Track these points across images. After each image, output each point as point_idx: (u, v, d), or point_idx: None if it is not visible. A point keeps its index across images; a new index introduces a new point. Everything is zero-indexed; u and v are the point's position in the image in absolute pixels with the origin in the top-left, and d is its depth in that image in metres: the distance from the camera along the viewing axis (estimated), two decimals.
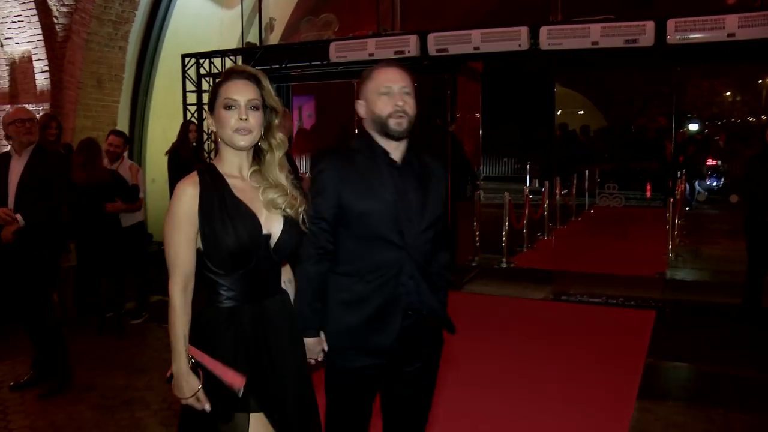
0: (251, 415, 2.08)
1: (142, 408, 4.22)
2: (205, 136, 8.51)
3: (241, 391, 2.03)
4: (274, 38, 9.80)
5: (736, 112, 16.91)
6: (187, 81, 8.63)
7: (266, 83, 2.17)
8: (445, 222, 2.49)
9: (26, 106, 8.40)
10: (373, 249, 2.26)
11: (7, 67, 8.55)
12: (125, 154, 6.41)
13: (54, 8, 8.14)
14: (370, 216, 2.23)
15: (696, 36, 5.93)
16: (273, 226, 2.12)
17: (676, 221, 9.38)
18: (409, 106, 2.29)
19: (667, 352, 5.13)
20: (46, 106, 8.24)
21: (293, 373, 2.18)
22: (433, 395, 2.52)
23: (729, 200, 12.86)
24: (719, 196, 14.19)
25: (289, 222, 2.15)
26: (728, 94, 17.05)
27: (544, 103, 15.85)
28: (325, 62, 7.73)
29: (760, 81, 16.25)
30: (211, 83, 8.74)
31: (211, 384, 2.03)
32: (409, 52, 7.16)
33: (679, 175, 12.64)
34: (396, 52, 7.20)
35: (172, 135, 7.40)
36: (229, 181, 2.11)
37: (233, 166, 2.14)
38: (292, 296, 2.30)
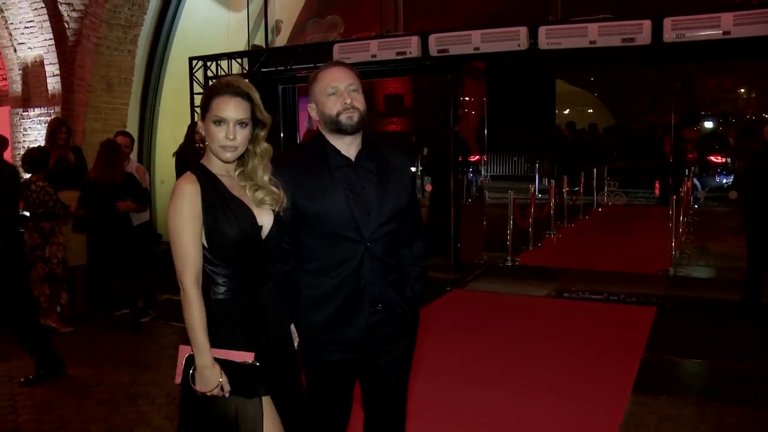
0: (262, 399, 2.17)
1: (147, 402, 4.33)
2: None
3: (256, 363, 2.11)
4: (281, 40, 9.89)
5: (750, 108, 16.81)
6: (194, 83, 8.73)
7: (256, 98, 2.24)
8: (415, 212, 2.52)
9: (38, 109, 8.59)
10: (333, 245, 2.31)
11: (20, 72, 8.72)
12: (132, 156, 6.53)
13: (65, 13, 8.29)
14: (324, 215, 2.29)
15: (692, 34, 5.96)
16: (263, 219, 2.22)
17: (682, 218, 9.38)
18: (358, 102, 2.33)
19: (665, 347, 5.18)
20: (58, 109, 8.40)
21: (290, 357, 2.31)
22: (407, 386, 2.57)
23: (729, 197, 12.83)
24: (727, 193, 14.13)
25: (277, 217, 2.26)
26: (743, 91, 16.93)
27: (546, 102, 15.85)
28: (319, 66, 7.75)
29: None
30: None
31: (227, 371, 2.11)
32: (410, 52, 7.22)
33: (686, 173, 12.62)
34: (398, 53, 7.27)
35: (180, 137, 7.49)
36: (221, 179, 2.21)
37: (221, 168, 2.24)
38: None
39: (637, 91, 17.01)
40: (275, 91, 8.86)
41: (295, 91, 9.28)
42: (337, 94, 2.32)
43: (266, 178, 2.26)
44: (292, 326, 2.39)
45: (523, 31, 6.72)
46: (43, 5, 8.22)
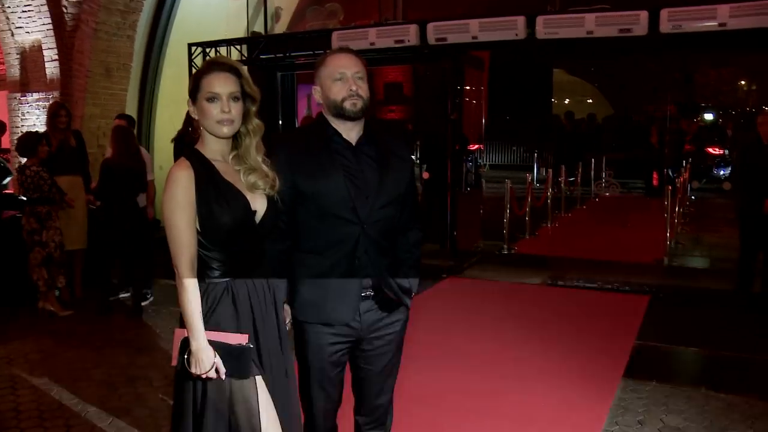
0: (256, 379, 2.22)
1: (145, 384, 4.40)
2: None
3: (250, 345, 2.17)
4: (280, 27, 9.93)
5: (750, 100, 16.83)
6: (193, 69, 8.76)
7: (245, 73, 2.27)
8: (413, 200, 2.57)
9: (36, 94, 8.63)
10: (329, 226, 2.36)
11: (18, 56, 8.74)
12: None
13: None
14: (322, 195, 2.33)
15: (688, 25, 6.01)
16: (257, 204, 2.25)
17: (677, 209, 9.45)
18: (363, 90, 2.37)
19: (656, 335, 5.26)
20: (56, 94, 8.43)
21: (282, 339, 2.35)
22: (397, 370, 2.62)
23: (722, 187, 12.89)
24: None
25: (270, 200, 2.29)
26: (743, 82, 16.96)
27: (544, 92, 15.87)
28: (328, 51, 7.78)
29: None
30: None
31: (221, 353, 2.16)
32: (409, 41, 7.25)
33: (684, 163, 12.67)
34: (396, 41, 7.31)
35: (179, 123, 7.54)
36: (215, 164, 2.24)
37: (216, 152, 2.26)
38: None
39: (637, 82, 17.03)
40: (274, 78, 8.90)
41: (293, 78, 9.32)
42: (343, 80, 2.35)
43: (259, 158, 2.29)
44: (287, 307, 2.44)
45: (520, 20, 6.76)
46: None
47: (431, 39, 7.21)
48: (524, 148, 16.88)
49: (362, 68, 2.40)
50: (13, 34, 8.68)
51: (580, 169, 13.16)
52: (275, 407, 2.29)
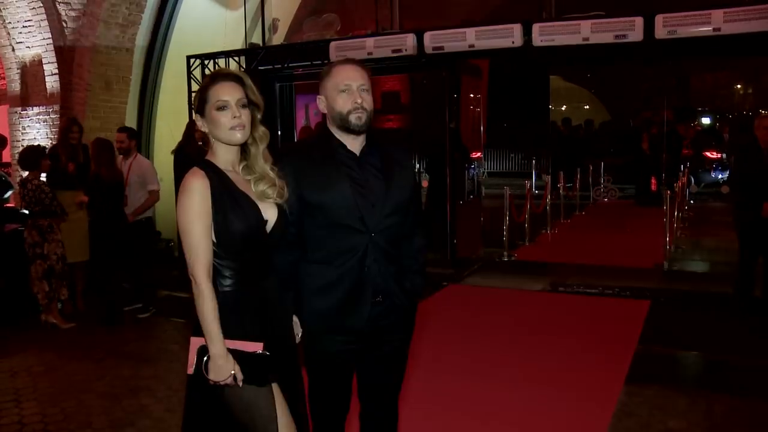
0: (272, 386, 2.25)
1: (148, 396, 4.40)
2: None
3: (266, 353, 2.18)
4: (278, 38, 9.95)
5: (746, 104, 16.85)
6: (192, 81, 8.78)
7: (249, 82, 2.32)
8: (417, 208, 2.61)
9: (37, 107, 8.66)
10: (338, 235, 2.39)
11: (19, 71, 8.77)
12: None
13: (63, 13, 8.35)
14: (330, 206, 2.36)
15: (683, 31, 6.04)
16: (268, 213, 2.30)
17: (677, 214, 9.46)
18: (368, 102, 2.41)
19: (658, 339, 5.26)
20: (56, 107, 8.46)
21: (293, 347, 2.40)
22: (403, 377, 2.65)
23: (721, 191, 12.91)
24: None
25: (281, 209, 2.33)
26: (738, 87, 17.00)
27: (541, 99, 15.91)
28: (325, 61, 7.81)
29: None
30: None
31: (239, 361, 2.18)
32: (406, 50, 7.28)
33: (682, 168, 12.69)
34: (393, 51, 7.33)
35: (178, 134, 7.56)
36: (227, 174, 2.28)
37: (227, 162, 2.30)
38: None
39: (633, 88, 17.08)
40: (272, 89, 8.92)
41: (292, 89, 9.34)
42: (348, 92, 2.39)
43: (267, 166, 2.33)
44: (295, 318, 2.46)
45: (517, 28, 6.78)
46: (41, 4, 8.27)
47: (428, 48, 7.24)
48: (522, 155, 16.90)
49: (367, 80, 2.44)
50: (13, 49, 8.72)
51: (578, 175, 13.18)
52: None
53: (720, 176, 14.34)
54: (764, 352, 4.90)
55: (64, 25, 8.39)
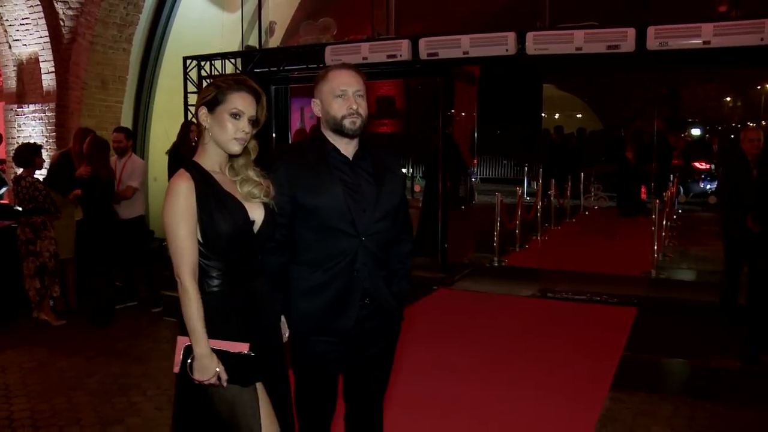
0: (256, 386, 2.27)
1: (138, 394, 4.40)
2: None
3: (251, 353, 2.19)
4: (274, 41, 9.96)
5: (735, 116, 16.94)
6: (188, 82, 8.79)
7: (263, 100, 2.37)
8: (405, 213, 2.64)
9: (33, 105, 8.64)
10: (329, 238, 2.41)
11: (15, 68, 8.76)
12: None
13: (60, 11, 8.35)
14: (322, 209, 2.38)
15: (675, 42, 6.09)
16: (255, 213, 2.32)
17: (665, 222, 9.49)
18: (363, 108, 2.44)
19: (644, 346, 5.30)
20: (52, 105, 8.45)
21: (279, 348, 2.42)
22: (388, 380, 2.67)
23: (708, 201, 12.96)
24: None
25: (268, 209, 2.35)
26: (728, 99, 17.09)
27: (534, 107, 15.95)
28: (321, 65, 7.85)
29: (759, 87, 16.27)
30: None
31: (223, 361, 2.19)
32: (401, 56, 7.31)
33: (671, 178, 12.74)
34: (388, 56, 7.37)
35: (174, 135, 7.57)
36: (213, 175, 2.30)
37: (215, 164, 2.33)
38: None
39: (626, 97, 17.14)
40: (268, 92, 8.94)
41: (287, 92, 9.35)
42: (344, 97, 2.42)
43: (251, 173, 2.36)
44: (283, 319, 2.47)
45: (511, 36, 6.82)
46: (39, 3, 8.27)
47: (423, 54, 7.28)
48: (514, 162, 16.94)
49: (363, 86, 2.47)
50: (10, 47, 8.70)
51: (569, 183, 13.22)
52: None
53: (708, 186, 14.42)
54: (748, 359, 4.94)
55: (62, 23, 8.38)
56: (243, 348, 2.20)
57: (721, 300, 6.02)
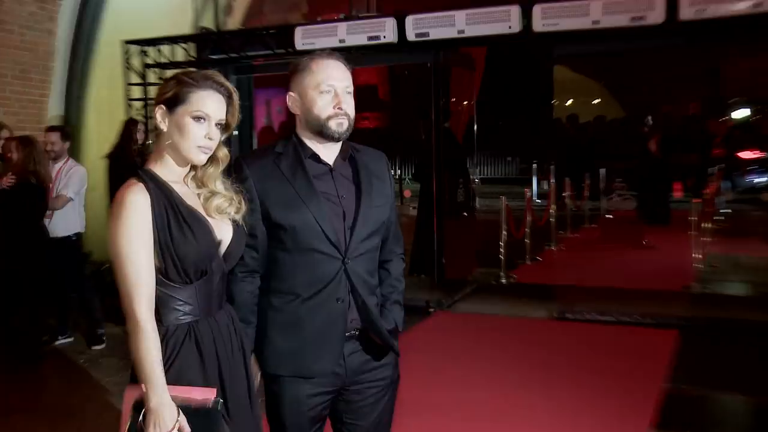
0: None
1: None
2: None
3: (219, 402, 2.15)
4: (233, 22, 9.93)
5: None
6: (130, 72, 8.76)
7: (236, 100, 2.32)
8: (395, 226, 2.62)
9: None
10: (308, 263, 2.37)
11: None
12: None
13: None
14: (299, 228, 2.35)
15: (715, 10, 6.02)
16: (222, 232, 2.28)
17: (708, 225, 9.46)
18: (351, 107, 2.42)
19: (689, 377, 5.24)
20: None
21: (250, 392, 2.37)
22: (391, 424, 2.63)
23: (761, 199, 12.96)
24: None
25: (237, 228, 2.32)
26: None
27: (543, 93, 15.99)
28: (290, 50, 7.86)
29: None
30: (160, 75, 8.82)
31: (185, 410, 2.13)
32: (384, 37, 7.31)
33: (711, 171, 12.70)
34: (370, 38, 7.36)
35: (112, 135, 7.49)
36: (174, 187, 2.25)
37: (174, 173, 2.28)
38: None
39: (652, 78, 17.15)
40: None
41: (250, 82, 9.31)
42: (330, 93, 2.38)
43: (221, 184, 2.33)
44: (253, 358, 2.43)
45: (514, 10, 6.82)
46: None
47: (411, 35, 7.26)
48: (520, 159, 16.97)
49: (351, 80, 2.45)
50: None
51: (587, 182, 13.21)
52: None
53: (758, 180, 14.39)
54: None
55: None
56: (209, 394, 2.15)
57: None
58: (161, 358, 2.11)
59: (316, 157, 2.43)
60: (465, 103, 9.13)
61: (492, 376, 5.39)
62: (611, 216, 13.46)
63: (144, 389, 2.10)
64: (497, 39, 7.23)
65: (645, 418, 4.53)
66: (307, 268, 2.38)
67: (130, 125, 7.34)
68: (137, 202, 2.14)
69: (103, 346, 6.30)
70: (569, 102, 17.79)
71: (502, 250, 8.53)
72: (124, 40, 8.85)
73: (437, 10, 7.25)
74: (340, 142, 2.46)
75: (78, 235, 6.57)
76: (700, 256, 8.06)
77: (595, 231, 12.43)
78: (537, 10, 6.75)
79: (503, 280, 8.46)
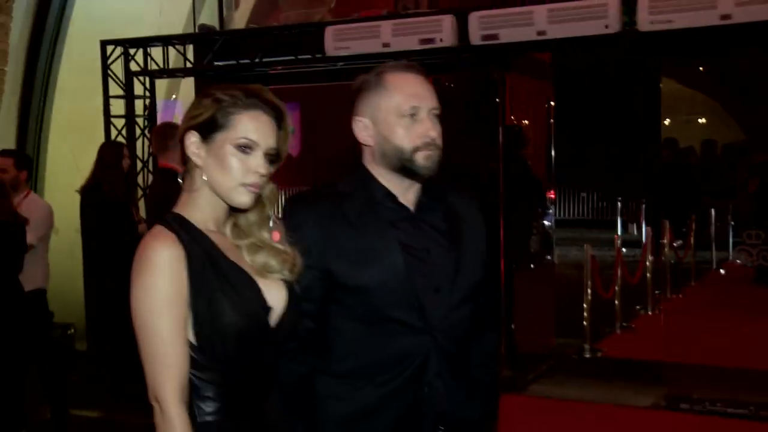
0: None
1: None
2: (140, 164, 8.65)
3: None
4: (240, 18, 9.99)
5: None
6: (110, 80, 8.77)
7: (288, 124, 2.32)
8: (489, 289, 2.68)
9: None
10: (383, 336, 2.39)
11: None
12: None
13: None
14: (372, 289, 2.36)
15: None
16: (273, 296, 2.27)
17: None
18: (440, 134, 2.44)
19: None
20: None
21: None
22: None
23: None
24: None
25: (291, 291, 2.31)
26: None
27: (646, 111, 15.93)
28: (318, 55, 7.89)
29: None
30: (148, 84, 8.86)
31: None
32: (441, 40, 7.29)
33: None
34: (422, 41, 7.33)
35: (85, 162, 7.52)
36: (211, 237, 2.25)
37: (209, 220, 2.28)
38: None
39: None
40: None
41: None
42: (417, 118, 2.40)
43: (267, 235, 2.32)
44: None
45: (613, 5, 6.66)
46: None
47: (475, 36, 7.22)
48: (599, 195, 16.88)
49: (437, 100, 2.46)
50: None
51: (693, 225, 13.15)
52: None
53: None
54: None
55: None
56: None
57: None
58: None
59: (392, 198, 2.44)
60: (533, 123, 9.17)
61: None
62: (724, 271, 13.39)
63: None
64: (588, 42, 7.16)
65: None
66: (382, 344, 2.39)
67: (112, 149, 7.38)
68: (166, 258, 2.11)
69: None
70: (666, 121, 17.69)
71: (585, 314, 8.53)
72: (102, 39, 8.79)
73: (507, 6, 7.24)
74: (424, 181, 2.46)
75: (41, 291, 6.63)
76: None
77: (702, 291, 12.35)
78: (643, 4, 6.56)
79: (587, 354, 8.45)
